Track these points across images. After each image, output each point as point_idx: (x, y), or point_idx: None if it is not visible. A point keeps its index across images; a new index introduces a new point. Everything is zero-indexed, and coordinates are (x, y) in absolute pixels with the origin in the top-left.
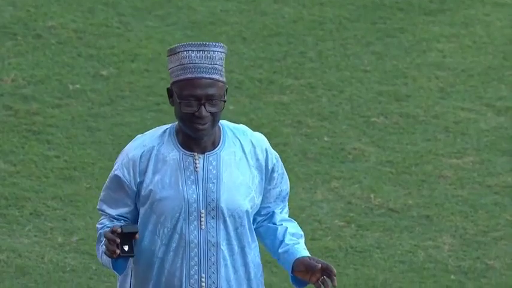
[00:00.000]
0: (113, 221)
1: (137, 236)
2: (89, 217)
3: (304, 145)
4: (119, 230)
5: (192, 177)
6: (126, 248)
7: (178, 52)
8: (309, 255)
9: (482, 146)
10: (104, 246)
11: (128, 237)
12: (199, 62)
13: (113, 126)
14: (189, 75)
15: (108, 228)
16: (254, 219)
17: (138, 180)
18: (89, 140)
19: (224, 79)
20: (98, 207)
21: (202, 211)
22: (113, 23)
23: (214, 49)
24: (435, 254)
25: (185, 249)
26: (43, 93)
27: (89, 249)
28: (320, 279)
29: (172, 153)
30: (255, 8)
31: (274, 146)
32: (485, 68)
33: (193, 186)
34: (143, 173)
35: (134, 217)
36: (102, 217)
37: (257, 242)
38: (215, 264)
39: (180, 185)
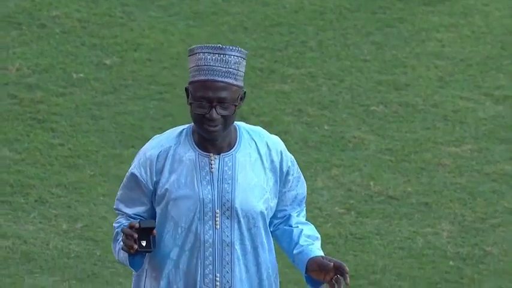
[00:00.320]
0: (129, 220)
1: (155, 231)
2: (93, 204)
3: (304, 133)
4: (137, 225)
5: (207, 177)
6: (143, 243)
7: (196, 53)
8: (323, 255)
9: (480, 135)
10: (121, 243)
11: (145, 232)
12: (213, 64)
13: (116, 114)
14: (203, 77)
15: (125, 226)
16: (271, 222)
17: (155, 179)
18: (93, 128)
19: (240, 83)
20: (114, 206)
21: (217, 211)
22: (116, 12)
23: (230, 53)
24: (434, 241)
25: (200, 248)
26: (47, 82)
27: (92, 236)
28: (334, 278)
29: (189, 153)
30: None
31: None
32: (483, 57)
33: (209, 187)
34: (160, 172)
35: (151, 216)
36: (119, 216)
37: (273, 245)
38: (229, 263)
39: (196, 185)
